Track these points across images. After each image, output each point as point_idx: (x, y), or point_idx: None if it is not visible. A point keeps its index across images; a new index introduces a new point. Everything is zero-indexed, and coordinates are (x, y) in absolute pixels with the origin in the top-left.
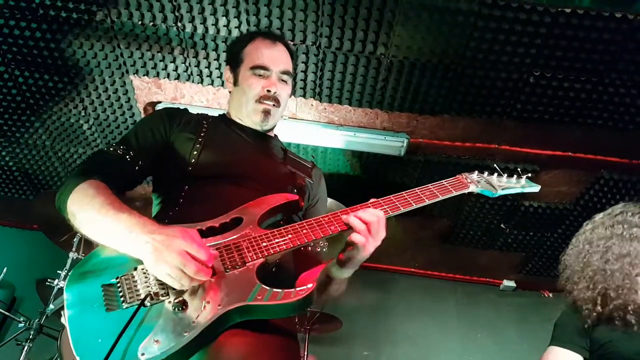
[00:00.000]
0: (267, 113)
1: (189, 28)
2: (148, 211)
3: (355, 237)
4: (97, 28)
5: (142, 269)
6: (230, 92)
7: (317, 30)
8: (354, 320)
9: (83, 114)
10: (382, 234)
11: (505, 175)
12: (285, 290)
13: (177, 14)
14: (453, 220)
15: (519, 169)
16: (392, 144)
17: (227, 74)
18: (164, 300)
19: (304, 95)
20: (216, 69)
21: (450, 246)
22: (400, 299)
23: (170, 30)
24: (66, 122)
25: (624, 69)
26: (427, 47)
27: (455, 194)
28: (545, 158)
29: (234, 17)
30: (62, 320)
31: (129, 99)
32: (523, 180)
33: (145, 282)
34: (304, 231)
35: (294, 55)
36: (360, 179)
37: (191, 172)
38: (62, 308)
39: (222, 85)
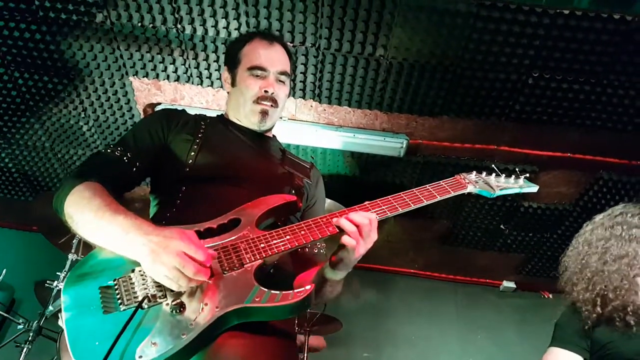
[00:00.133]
0: (264, 114)
1: (188, 30)
2: (147, 213)
3: (345, 239)
4: (96, 30)
5: (140, 271)
6: (228, 92)
7: (317, 31)
8: (354, 322)
9: (83, 115)
10: (374, 236)
11: (504, 175)
12: (284, 292)
13: (176, 15)
14: (453, 221)
15: (517, 170)
16: (392, 145)
17: (225, 75)
18: (161, 303)
19: (303, 97)
20: (216, 70)
21: (450, 247)
22: (400, 300)
23: (170, 32)
24: (66, 123)
25: (622, 70)
26: (426, 49)
27: (453, 194)
28: (544, 159)
29: (234, 19)
30: (60, 322)
31: (129, 100)
32: (521, 180)
33: (143, 284)
34: (302, 232)
35: (291, 56)
36: (360, 180)
37: (189, 173)
38: (60, 310)
39: (222, 86)
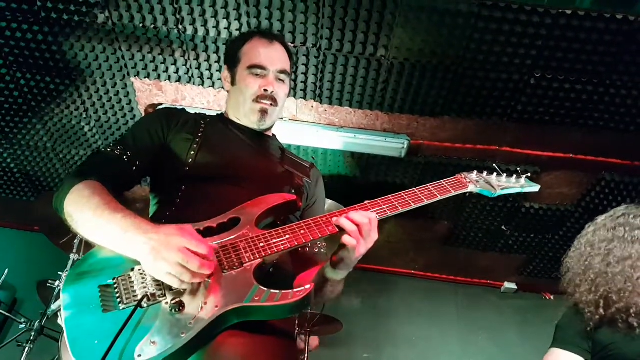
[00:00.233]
0: (264, 112)
1: (190, 30)
2: (148, 213)
3: (346, 238)
4: (98, 30)
5: (139, 270)
6: (228, 91)
7: (318, 32)
8: (354, 322)
9: (84, 116)
10: (374, 236)
11: (505, 175)
12: (283, 291)
13: (178, 16)
14: (454, 222)
15: (518, 169)
16: (393, 146)
17: (225, 74)
18: (160, 301)
19: (304, 97)
20: (217, 71)
21: (451, 248)
22: (401, 301)
23: (172, 33)
24: (67, 124)
25: (625, 70)
26: (428, 49)
27: (454, 193)
28: (546, 160)
29: (235, 20)
30: (59, 321)
31: (130, 101)
32: (523, 180)
33: (142, 283)
34: (302, 232)
35: (291, 55)
36: (361, 180)
37: (188, 172)
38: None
39: (223, 87)
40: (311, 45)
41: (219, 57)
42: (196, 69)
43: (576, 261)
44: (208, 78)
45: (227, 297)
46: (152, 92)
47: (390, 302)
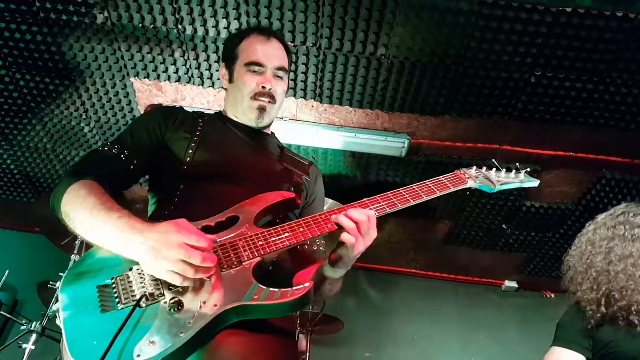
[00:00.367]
0: (262, 110)
1: (189, 30)
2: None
3: (345, 236)
4: (98, 31)
5: (138, 270)
6: (226, 89)
7: (318, 31)
8: (355, 322)
9: (84, 116)
10: (373, 234)
11: (504, 170)
12: (282, 289)
13: (177, 16)
14: (454, 221)
15: (518, 164)
16: (393, 145)
17: (223, 71)
18: (159, 301)
19: (304, 97)
20: (217, 71)
21: (451, 247)
22: (401, 301)
23: (171, 33)
24: (67, 125)
25: (625, 68)
26: (428, 48)
27: (453, 189)
28: (546, 158)
29: (235, 19)
30: (58, 322)
31: (130, 101)
32: (522, 175)
33: (141, 283)
34: (301, 229)
35: (289, 52)
36: (361, 180)
37: (187, 171)
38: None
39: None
40: (311, 45)
41: (219, 57)
42: (196, 69)
43: (577, 260)
44: (208, 78)
45: (227, 296)
46: (152, 93)
47: (392, 301)
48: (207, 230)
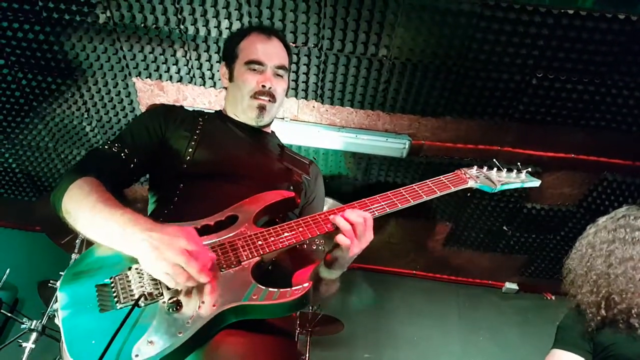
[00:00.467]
0: (262, 109)
1: (191, 30)
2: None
3: (340, 238)
4: (100, 30)
5: (137, 269)
6: (226, 88)
7: (319, 32)
8: (355, 323)
9: (85, 115)
10: (369, 236)
11: (505, 170)
12: (281, 289)
13: (179, 16)
14: (455, 222)
15: (519, 164)
16: (394, 146)
17: (223, 70)
18: (158, 301)
19: (305, 97)
20: (218, 71)
21: (452, 248)
22: (402, 302)
23: (173, 33)
24: (69, 124)
25: (627, 70)
26: (429, 49)
27: (453, 189)
28: (547, 160)
29: (237, 19)
30: (57, 321)
31: (132, 101)
32: (523, 175)
33: (139, 282)
34: (300, 229)
35: (290, 50)
36: (362, 181)
37: (186, 170)
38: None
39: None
40: (313, 45)
41: (221, 58)
42: (197, 69)
43: (577, 262)
44: (209, 78)
45: (225, 296)
46: (154, 92)
47: (392, 302)
48: (206, 229)
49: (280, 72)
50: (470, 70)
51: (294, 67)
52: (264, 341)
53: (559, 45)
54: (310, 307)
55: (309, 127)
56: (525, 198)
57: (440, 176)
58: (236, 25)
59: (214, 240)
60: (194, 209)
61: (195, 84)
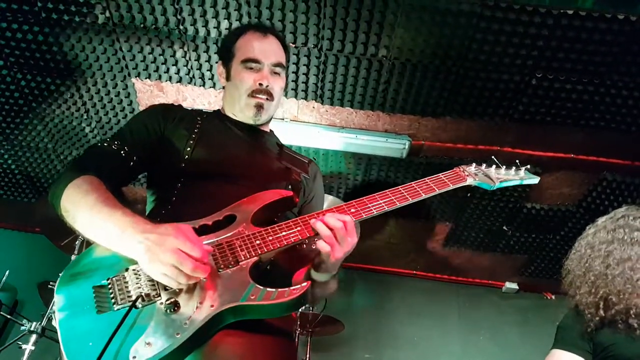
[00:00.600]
0: (260, 107)
1: (191, 31)
2: None
3: (320, 244)
4: (99, 31)
5: (134, 270)
6: (223, 87)
7: (319, 32)
8: (355, 323)
9: (85, 116)
10: (352, 239)
11: (504, 167)
12: (279, 289)
13: (179, 16)
14: (455, 222)
15: (517, 161)
16: (394, 146)
17: (220, 69)
18: (155, 302)
19: (305, 98)
20: None
21: (452, 248)
22: (402, 302)
23: (173, 33)
24: (68, 125)
25: (626, 70)
26: (429, 49)
27: (452, 187)
28: (547, 160)
29: (236, 20)
30: (54, 322)
31: (131, 101)
32: (522, 172)
33: (137, 283)
34: (298, 228)
35: (287, 47)
36: (362, 181)
37: (185, 169)
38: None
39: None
40: (312, 46)
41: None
42: (197, 69)
43: (576, 263)
44: (209, 79)
45: (223, 296)
46: (153, 93)
47: (392, 302)
48: (204, 229)
49: (278, 69)
50: (470, 70)
51: (293, 67)
52: (262, 341)
53: (559, 45)
54: (310, 308)
55: (308, 128)
56: (525, 198)
57: (439, 174)
58: (236, 26)
59: (212, 240)
60: (192, 209)
61: (194, 84)
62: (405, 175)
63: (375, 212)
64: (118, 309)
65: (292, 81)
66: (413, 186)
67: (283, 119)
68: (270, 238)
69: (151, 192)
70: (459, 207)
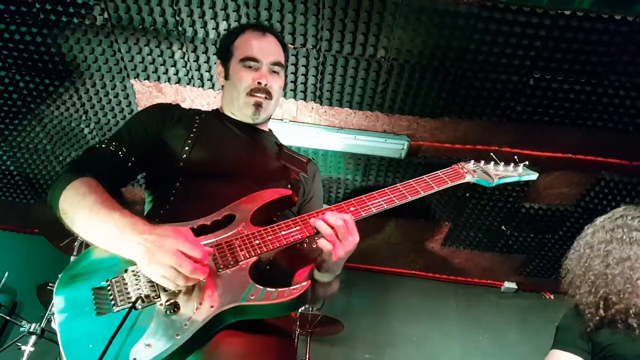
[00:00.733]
0: (258, 106)
1: (189, 32)
2: None
3: (321, 242)
4: (97, 32)
5: (133, 271)
6: (222, 86)
7: (318, 33)
8: (355, 323)
9: (84, 118)
10: (353, 238)
11: (502, 163)
12: (279, 289)
13: (177, 17)
14: (454, 222)
15: (515, 157)
16: (393, 147)
17: (219, 68)
18: (155, 303)
19: (304, 99)
20: None
21: (451, 248)
22: (401, 301)
23: (171, 34)
24: (67, 126)
25: (623, 70)
26: (427, 50)
27: (451, 184)
28: (545, 160)
29: (235, 21)
30: (53, 324)
31: (130, 103)
32: (520, 168)
33: (136, 285)
34: (297, 227)
35: (285, 47)
36: (361, 181)
37: (183, 168)
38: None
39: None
40: (311, 47)
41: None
42: (196, 70)
43: (575, 263)
44: (208, 79)
45: (223, 297)
46: (152, 94)
47: (391, 302)
48: (203, 229)
49: (276, 68)
50: (468, 71)
51: (292, 68)
52: (263, 341)
53: (556, 45)
54: (310, 308)
55: (307, 128)
56: (524, 198)
57: (438, 171)
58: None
59: (211, 240)
60: (190, 208)
61: (193, 85)
62: (404, 176)
63: (374, 211)
64: (118, 311)
65: (291, 82)
66: (412, 184)
67: (282, 120)
68: (270, 237)
69: (149, 192)
70: (457, 207)
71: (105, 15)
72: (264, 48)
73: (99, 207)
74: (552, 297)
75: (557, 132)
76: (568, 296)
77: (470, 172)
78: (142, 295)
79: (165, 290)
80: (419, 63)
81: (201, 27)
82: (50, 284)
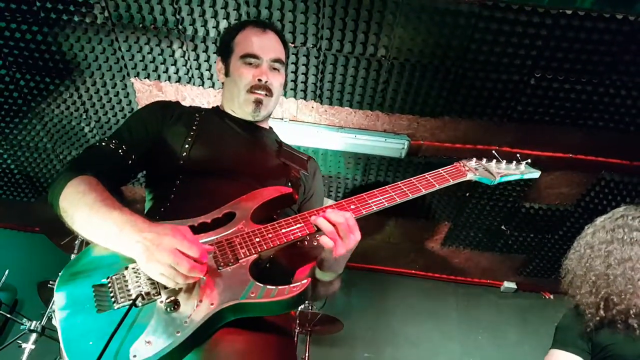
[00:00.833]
0: (258, 103)
1: (190, 30)
2: None
3: (323, 240)
4: (98, 31)
5: (133, 268)
6: (222, 83)
7: (318, 32)
8: (355, 322)
9: (84, 116)
10: (355, 236)
11: (504, 161)
12: (279, 287)
13: (178, 16)
14: (454, 222)
15: (518, 155)
16: (393, 146)
17: (219, 65)
18: (155, 300)
19: (304, 98)
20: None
21: (451, 248)
22: (401, 301)
23: (172, 33)
24: (67, 124)
25: (624, 70)
26: (428, 49)
27: (452, 182)
28: (545, 159)
29: (235, 20)
30: (54, 322)
31: (130, 101)
32: (522, 166)
33: (137, 282)
34: (298, 225)
35: (286, 44)
36: (361, 181)
37: (183, 166)
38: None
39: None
40: (311, 46)
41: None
42: (196, 69)
43: (576, 263)
44: (208, 78)
45: (223, 294)
46: (152, 93)
47: (391, 301)
48: (203, 226)
49: (277, 65)
50: (469, 70)
51: (292, 67)
52: (263, 339)
53: (557, 45)
54: (310, 307)
55: (308, 128)
56: (524, 197)
57: (439, 169)
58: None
59: (211, 238)
60: (190, 206)
61: (194, 84)
62: (404, 175)
63: (375, 208)
64: (118, 308)
65: (292, 81)
66: (413, 182)
67: (282, 119)
68: (270, 235)
69: (149, 190)
70: (457, 206)
71: (106, 14)
72: (265, 45)
73: (99, 205)
74: (551, 297)
75: (558, 132)
76: (568, 296)
77: (472, 170)
78: (143, 293)
79: (165, 287)
80: (420, 62)
81: (201, 26)
82: (50, 282)
